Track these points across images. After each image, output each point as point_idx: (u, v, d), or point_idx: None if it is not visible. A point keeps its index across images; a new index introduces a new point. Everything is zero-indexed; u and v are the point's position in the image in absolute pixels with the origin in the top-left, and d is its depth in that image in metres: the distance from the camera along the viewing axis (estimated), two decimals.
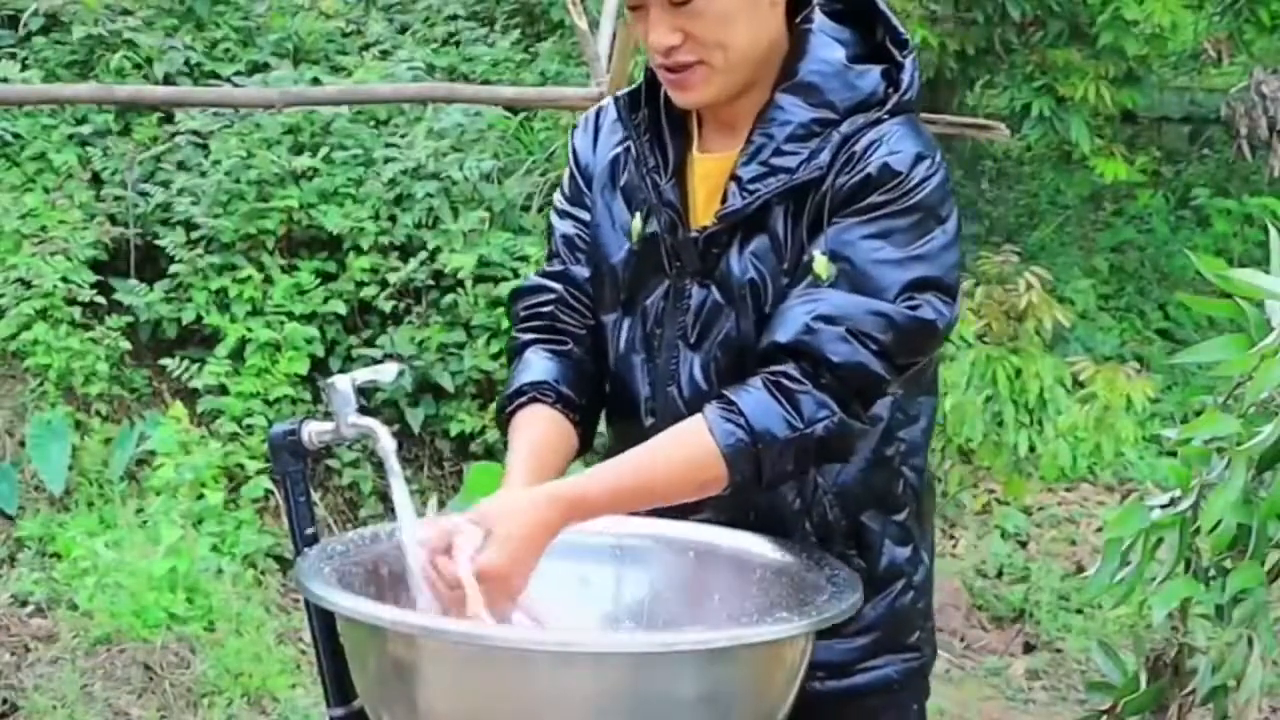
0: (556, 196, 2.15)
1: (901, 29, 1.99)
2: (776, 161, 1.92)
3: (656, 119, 2.02)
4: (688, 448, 1.84)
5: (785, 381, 1.83)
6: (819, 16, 1.99)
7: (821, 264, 1.88)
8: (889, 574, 2.04)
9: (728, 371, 1.95)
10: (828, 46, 1.96)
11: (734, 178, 1.94)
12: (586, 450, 2.06)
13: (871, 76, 1.95)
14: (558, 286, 2.09)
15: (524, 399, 2.00)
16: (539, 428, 1.99)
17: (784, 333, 1.86)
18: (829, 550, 1.98)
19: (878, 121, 1.92)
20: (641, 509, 1.89)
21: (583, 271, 2.09)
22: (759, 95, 1.96)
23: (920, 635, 2.10)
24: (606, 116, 2.12)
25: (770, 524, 1.95)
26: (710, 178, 1.99)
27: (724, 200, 1.95)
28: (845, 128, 1.91)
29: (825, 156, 1.90)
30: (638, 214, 2.02)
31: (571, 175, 2.13)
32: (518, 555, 1.75)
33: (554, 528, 1.79)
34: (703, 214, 1.99)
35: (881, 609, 2.04)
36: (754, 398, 1.83)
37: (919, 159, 1.89)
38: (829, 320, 1.84)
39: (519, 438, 1.97)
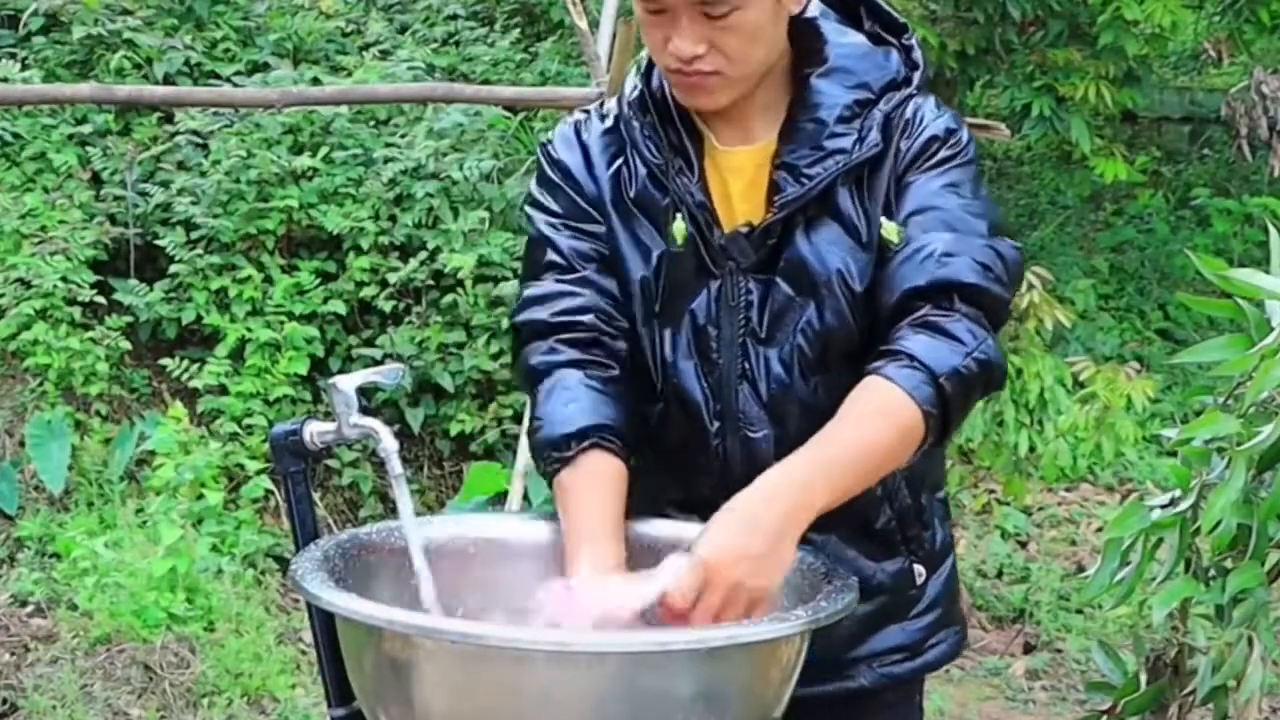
0: (540, 216, 2.04)
1: (894, 13, 2.04)
2: (830, 144, 1.94)
3: (668, 121, 2.00)
4: (881, 408, 1.81)
5: (933, 318, 1.86)
6: (819, 5, 2.02)
7: (890, 229, 1.92)
8: (943, 549, 2.11)
9: (813, 361, 1.96)
10: (843, 32, 2.01)
11: (783, 166, 1.94)
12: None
13: (894, 57, 2.01)
14: (585, 291, 1.99)
15: (587, 443, 1.90)
16: (614, 482, 1.90)
17: (914, 278, 1.88)
18: (905, 534, 2.04)
19: (910, 97, 1.98)
20: (857, 488, 1.81)
21: (608, 281, 2.00)
22: (766, 87, 1.97)
23: (959, 606, 2.16)
24: (590, 133, 2.05)
25: (856, 514, 1.94)
26: (744, 171, 1.98)
27: (775, 190, 1.94)
28: (884, 105, 1.96)
29: (875, 134, 1.94)
30: (678, 217, 1.97)
31: (559, 191, 2.04)
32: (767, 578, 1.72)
33: (789, 525, 1.74)
34: (739, 207, 1.98)
35: (940, 584, 2.10)
36: (915, 340, 1.84)
37: (958, 118, 2.00)
38: (953, 255, 1.89)
39: (597, 491, 1.88)
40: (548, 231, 2.03)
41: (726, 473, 1.98)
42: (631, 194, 2.01)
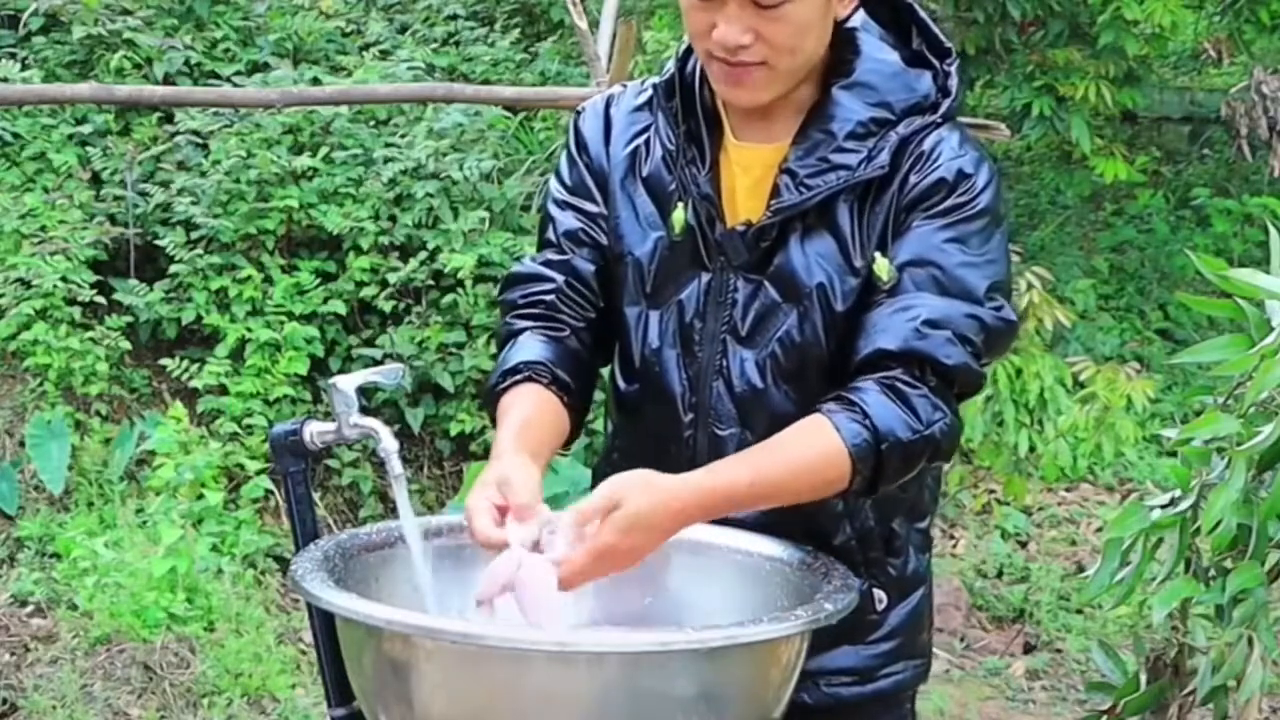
0: (554, 185, 2.10)
1: (943, 38, 2.00)
2: (836, 158, 1.91)
3: (690, 109, 1.99)
4: (814, 447, 1.82)
5: (899, 385, 1.84)
6: (863, 16, 1.99)
7: (882, 266, 1.89)
8: (913, 579, 2.08)
9: (787, 370, 1.95)
10: (880, 48, 1.97)
11: (787, 171, 1.92)
12: (575, 439, 2.03)
13: (926, 80, 1.97)
14: (558, 276, 2.04)
15: (519, 377, 1.96)
16: (533, 404, 1.94)
17: (890, 340, 1.86)
18: (865, 555, 2.01)
19: (934, 125, 1.94)
20: (767, 506, 1.85)
21: (587, 265, 2.04)
22: (800, 89, 1.95)
23: (925, 638, 2.13)
24: (619, 106, 2.07)
25: (814, 527, 1.94)
26: (752, 169, 1.97)
27: (775, 193, 1.93)
28: (902, 129, 1.93)
29: (885, 156, 1.91)
30: (680, 205, 1.97)
31: (574, 163, 2.08)
32: (637, 537, 1.72)
33: (686, 519, 1.76)
34: (743, 205, 1.97)
35: (904, 614, 2.07)
36: (874, 399, 1.83)
37: (981, 162, 1.94)
38: (935, 325, 1.86)
39: (512, 411, 1.92)
40: (553, 208, 2.09)
41: (694, 465, 1.97)
42: (644, 173, 2.02)
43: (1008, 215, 2.02)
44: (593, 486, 2.11)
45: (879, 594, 2.04)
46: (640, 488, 1.74)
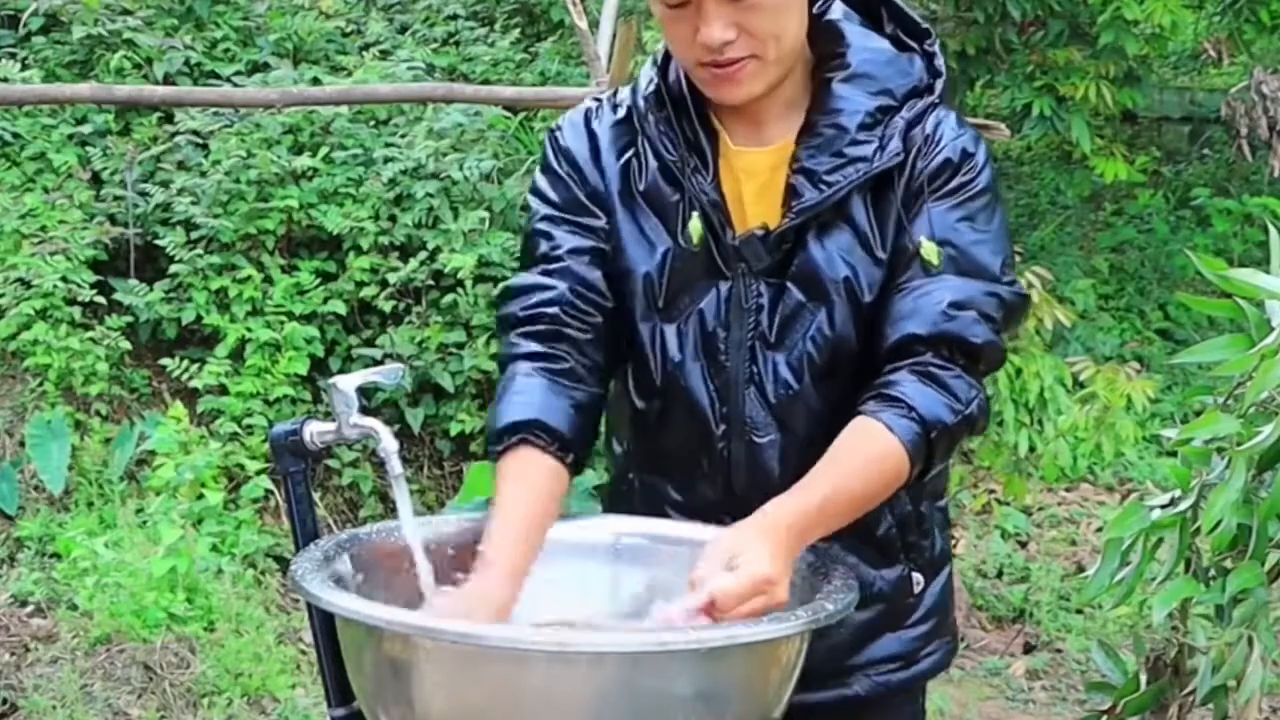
0: (538, 204, 2.03)
1: (918, 19, 2.01)
2: (851, 151, 1.91)
3: (683, 118, 1.98)
4: (873, 451, 1.83)
5: (934, 370, 1.86)
6: (842, 7, 1.99)
7: (930, 249, 1.90)
8: (941, 558, 2.11)
9: (822, 368, 1.95)
10: (868, 36, 1.98)
11: (802, 170, 1.92)
12: (579, 473, 1.95)
13: (917, 63, 1.98)
14: (559, 283, 1.97)
15: (515, 439, 1.89)
16: (530, 481, 1.88)
17: (919, 324, 1.88)
18: (904, 540, 2.03)
19: (932, 106, 1.96)
20: (843, 523, 1.85)
21: (593, 271, 1.98)
22: (786, 86, 1.95)
23: (953, 617, 2.16)
24: (601, 120, 2.04)
25: (858, 521, 1.91)
26: (758, 173, 1.96)
27: (793, 194, 1.92)
28: (906, 113, 1.94)
29: (896, 143, 1.92)
30: (694, 215, 1.95)
31: (561, 181, 2.02)
32: (776, 566, 1.71)
33: (790, 539, 1.76)
34: (752, 210, 1.95)
35: (936, 592, 2.09)
36: (915, 389, 1.85)
37: (978, 140, 1.98)
38: (960, 306, 1.88)
39: (508, 494, 1.87)
40: (542, 225, 2.02)
41: (730, 477, 1.97)
42: (640, 188, 1.99)
43: (1007, 206, 2.04)
44: (607, 512, 2.10)
45: (916, 577, 2.06)
46: (744, 535, 1.73)
